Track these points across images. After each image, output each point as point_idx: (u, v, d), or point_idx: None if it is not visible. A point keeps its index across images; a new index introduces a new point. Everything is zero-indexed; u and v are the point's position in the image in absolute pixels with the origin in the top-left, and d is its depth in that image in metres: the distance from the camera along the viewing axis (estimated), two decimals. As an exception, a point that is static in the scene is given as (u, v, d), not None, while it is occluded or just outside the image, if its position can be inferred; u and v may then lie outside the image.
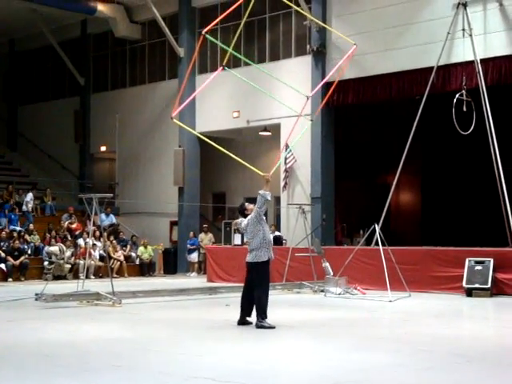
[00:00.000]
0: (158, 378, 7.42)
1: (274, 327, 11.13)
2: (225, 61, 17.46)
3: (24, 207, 26.88)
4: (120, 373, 7.71)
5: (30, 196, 27.22)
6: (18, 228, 25.43)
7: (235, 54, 18.67)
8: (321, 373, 7.84)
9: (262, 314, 11.27)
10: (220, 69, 17.09)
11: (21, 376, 7.51)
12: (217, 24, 21.65)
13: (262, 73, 24.53)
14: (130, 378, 7.43)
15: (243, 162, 15.23)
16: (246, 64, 26.49)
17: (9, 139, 35.52)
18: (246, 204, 11.93)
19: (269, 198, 11.40)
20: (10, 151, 34.83)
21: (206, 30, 15.57)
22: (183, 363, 8.31)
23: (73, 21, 31.54)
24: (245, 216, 11.75)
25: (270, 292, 17.51)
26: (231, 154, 15.32)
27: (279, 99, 23.53)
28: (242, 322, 11.55)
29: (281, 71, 25.48)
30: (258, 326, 11.18)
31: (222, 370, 7.85)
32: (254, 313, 11.50)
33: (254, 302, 11.48)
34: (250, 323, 11.46)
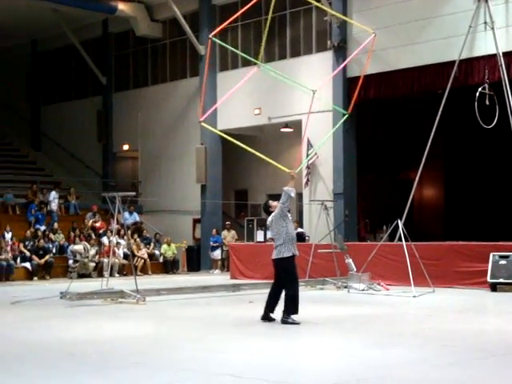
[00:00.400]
0: (180, 375, 7.45)
1: (298, 323, 11.18)
2: (260, 56, 17.19)
3: (48, 206, 27.09)
4: (143, 370, 7.75)
5: (53, 195, 27.42)
6: (43, 227, 25.63)
7: (244, 55, 18.63)
8: (344, 369, 7.83)
9: (288, 311, 11.30)
10: (255, 68, 16.92)
11: (45, 374, 7.58)
12: (236, 21, 21.63)
13: (283, 69, 24.53)
14: (152, 375, 7.47)
15: (268, 159, 15.33)
16: (268, 60, 26.56)
17: (32, 139, 35.78)
18: (270, 202, 12.04)
19: (292, 195, 11.51)
20: (34, 151, 35.08)
21: (213, 33, 15.72)
22: (206, 360, 8.33)
23: (94, 20, 31.71)
24: (269, 214, 11.87)
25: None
26: (256, 152, 15.38)
27: (300, 95, 23.53)
28: (265, 317, 11.57)
29: (301, 67, 25.48)
30: (283, 322, 11.24)
31: (246, 366, 7.86)
32: (278, 309, 11.51)
33: (278, 299, 11.53)
34: (273, 319, 11.47)
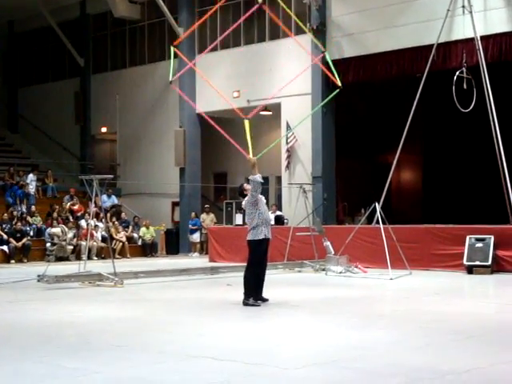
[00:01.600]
0: (158, 357, 7.47)
1: (258, 305, 11.42)
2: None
3: (26, 189, 26.93)
4: (121, 352, 7.77)
5: (30, 177, 27.25)
6: (24, 208, 25.51)
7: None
8: (320, 350, 7.89)
9: (248, 293, 11.53)
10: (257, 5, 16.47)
11: (22, 356, 7.57)
12: (215, 3, 21.51)
13: (262, 52, 24.51)
14: (130, 357, 7.48)
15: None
16: (247, 43, 26.50)
17: (9, 121, 35.49)
18: (245, 185, 12.21)
19: (259, 180, 11.68)
20: (11, 133, 34.80)
21: (176, 42, 15.75)
22: (184, 343, 8.36)
23: (72, 1, 31.44)
24: (244, 197, 12.06)
25: (272, 271, 17.65)
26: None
27: (279, 78, 23.52)
28: (259, 298, 11.70)
29: (280, 50, 25.43)
30: (244, 304, 11.48)
31: (223, 349, 7.90)
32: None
33: (263, 279, 11.79)
34: (267, 300, 11.70)
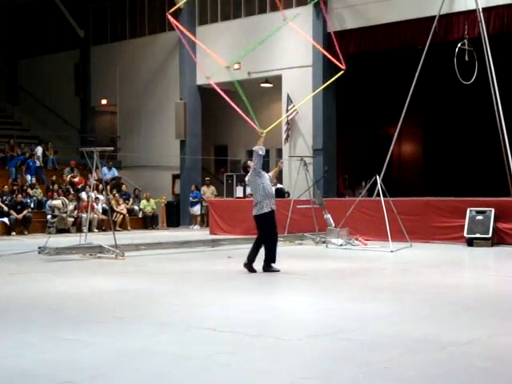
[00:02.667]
0: (159, 328, 7.51)
1: (278, 270, 12.03)
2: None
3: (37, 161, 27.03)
4: (122, 324, 7.81)
5: (39, 150, 27.30)
6: (32, 178, 25.67)
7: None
8: (320, 322, 7.93)
9: (268, 260, 12.12)
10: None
11: (24, 328, 7.60)
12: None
13: (263, 23, 24.34)
14: (131, 328, 7.52)
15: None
16: (248, 14, 26.33)
17: (9, 93, 35.38)
18: (248, 162, 12.61)
19: (260, 153, 12.02)
20: (11, 105, 34.72)
21: (170, 11, 15.83)
22: (185, 314, 8.40)
23: (72, -28, 31.21)
24: (247, 173, 12.49)
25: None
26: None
27: (280, 50, 23.41)
28: (248, 267, 12.13)
29: (281, 21, 25.21)
30: (265, 270, 12.04)
31: (223, 320, 7.94)
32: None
33: (258, 251, 12.19)
34: (255, 271, 12.06)
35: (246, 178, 12.50)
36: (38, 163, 26.87)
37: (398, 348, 6.54)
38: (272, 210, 12.11)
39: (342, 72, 17.15)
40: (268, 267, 12.10)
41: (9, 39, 35.51)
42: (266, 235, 12.20)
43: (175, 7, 18.54)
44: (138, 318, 8.10)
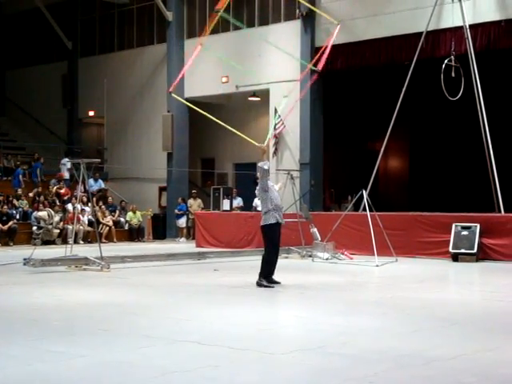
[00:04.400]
0: (144, 341, 7.48)
1: (272, 287, 11.88)
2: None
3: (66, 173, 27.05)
4: (106, 336, 7.77)
5: (65, 160, 27.30)
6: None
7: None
8: (306, 336, 7.93)
9: (263, 274, 12.07)
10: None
11: (8, 340, 7.56)
12: None
13: (252, 37, 24.45)
14: (116, 341, 7.49)
15: (237, 132, 15.41)
16: (236, 28, 26.40)
17: (-4, 104, 35.28)
18: (258, 175, 12.84)
19: (265, 168, 12.19)
20: (-2, 116, 34.62)
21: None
22: (170, 327, 8.38)
23: (60, -16, 31.21)
24: (257, 184, 12.85)
25: (258, 257, 17.62)
26: (226, 125, 15.43)
27: (268, 64, 23.48)
28: (272, 281, 12.17)
29: (270, 36, 25.35)
30: (258, 284, 11.99)
31: (208, 333, 7.92)
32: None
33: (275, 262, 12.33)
34: (278, 282, 12.12)
35: (256, 191, 12.85)
36: (67, 175, 26.97)
37: (384, 363, 6.55)
38: (278, 222, 12.14)
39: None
40: (261, 282, 11.99)
41: (-4, 50, 35.44)
42: (267, 247, 12.23)
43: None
44: (122, 331, 8.07)
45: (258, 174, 12.56)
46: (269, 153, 25.26)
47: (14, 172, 27.00)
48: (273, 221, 12.08)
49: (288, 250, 18.91)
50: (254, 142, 14.42)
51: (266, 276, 12.05)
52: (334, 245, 17.87)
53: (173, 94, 17.79)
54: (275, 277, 12.26)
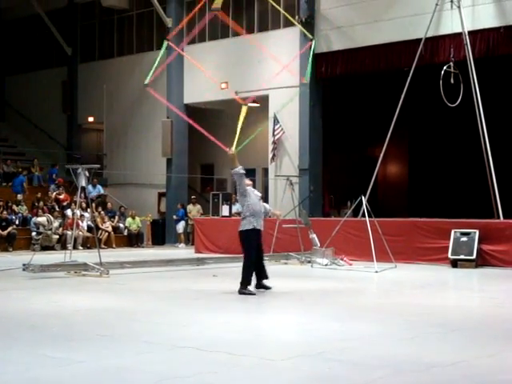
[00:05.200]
0: (143, 347, 7.48)
1: (254, 294, 11.67)
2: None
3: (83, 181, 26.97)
4: (105, 342, 7.77)
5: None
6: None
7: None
8: (306, 342, 7.92)
9: (242, 283, 11.77)
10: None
11: (6, 345, 7.56)
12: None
13: (251, 43, 24.49)
14: (115, 347, 7.49)
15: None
16: (235, 34, 26.44)
17: (-4, 110, 35.30)
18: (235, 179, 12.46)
19: (241, 172, 11.97)
20: (-2, 122, 34.64)
21: (147, 81, 16.40)
22: (169, 333, 8.37)
23: (60, -10, 31.26)
24: None
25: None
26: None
27: (267, 70, 23.52)
28: (259, 286, 12.09)
29: (269, 42, 25.40)
30: (240, 293, 11.69)
31: (207, 339, 7.91)
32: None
33: (261, 266, 12.12)
34: (269, 288, 12.02)
35: (237, 197, 12.57)
36: (83, 183, 26.84)
37: (383, 369, 6.55)
38: (255, 228, 11.85)
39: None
40: (243, 290, 11.70)
41: (-4, 55, 35.48)
42: (245, 251, 11.95)
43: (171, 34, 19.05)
44: (121, 337, 8.07)
45: (235, 179, 12.34)
46: (267, 156, 25.35)
47: (15, 177, 26.89)
48: (249, 227, 11.83)
49: (287, 256, 18.93)
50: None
51: (248, 283, 11.77)
52: (333, 251, 17.87)
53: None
54: (267, 282, 12.16)
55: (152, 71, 18.28)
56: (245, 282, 11.77)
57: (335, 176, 26.31)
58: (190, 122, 16.99)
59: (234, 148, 13.49)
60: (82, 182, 14.80)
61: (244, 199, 11.93)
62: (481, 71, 20.12)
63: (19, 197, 25.58)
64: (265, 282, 12.15)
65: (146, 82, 17.67)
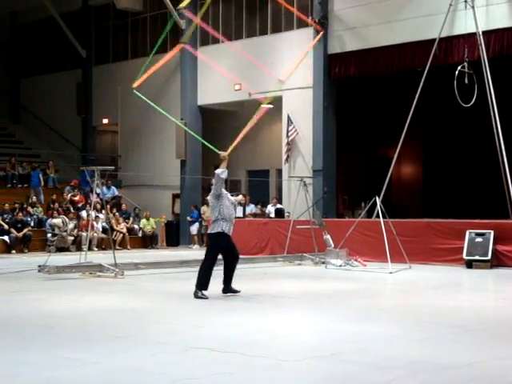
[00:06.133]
0: (157, 348, 7.51)
1: (206, 298, 11.38)
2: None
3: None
4: (120, 343, 7.81)
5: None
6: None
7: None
8: (320, 343, 7.92)
9: (198, 286, 11.57)
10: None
11: (23, 346, 7.61)
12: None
13: (264, 44, 24.51)
14: (130, 348, 7.52)
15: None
16: (249, 36, 26.49)
17: (11, 112, 35.48)
18: (213, 180, 12.23)
19: (222, 176, 11.81)
20: (13, 124, 34.79)
21: (135, 84, 16.43)
22: (183, 334, 8.40)
23: (74, -8, 31.40)
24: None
25: (272, 264, 17.72)
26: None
27: (281, 71, 23.52)
28: (226, 290, 11.91)
29: (282, 43, 25.42)
30: (195, 296, 11.48)
31: (222, 340, 7.93)
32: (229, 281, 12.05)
33: (230, 269, 11.96)
34: (238, 291, 11.81)
35: (208, 197, 12.21)
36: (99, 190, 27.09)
37: (398, 370, 6.54)
38: (223, 232, 11.55)
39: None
40: (197, 293, 11.46)
41: (11, 58, 35.66)
42: (207, 254, 11.72)
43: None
44: (136, 338, 8.10)
45: (213, 181, 12.07)
46: (281, 158, 25.35)
47: (31, 174, 27.23)
48: (218, 230, 11.55)
49: (301, 257, 18.93)
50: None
51: (202, 287, 11.51)
52: (347, 252, 17.86)
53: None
54: (234, 285, 11.94)
55: (140, 74, 18.60)
56: (199, 286, 11.54)
57: (349, 177, 26.29)
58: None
59: (227, 152, 13.38)
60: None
61: (217, 202, 11.68)
62: (495, 71, 20.06)
63: (34, 199, 25.66)
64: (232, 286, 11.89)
65: (134, 85, 18.00)
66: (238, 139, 18.69)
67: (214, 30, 26.55)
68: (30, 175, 27.19)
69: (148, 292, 12.77)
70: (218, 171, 11.91)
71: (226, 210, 11.72)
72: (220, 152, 12.90)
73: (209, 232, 11.87)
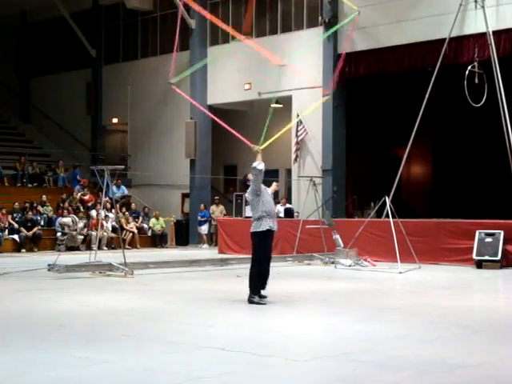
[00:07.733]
0: (168, 347, 7.53)
1: (264, 303, 10.80)
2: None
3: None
4: (131, 342, 7.83)
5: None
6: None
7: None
8: (329, 343, 7.94)
9: (251, 289, 10.96)
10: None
11: (33, 345, 7.64)
12: None
13: (275, 44, 24.50)
14: (140, 347, 7.54)
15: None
16: (259, 35, 26.49)
17: (21, 111, 35.60)
18: (249, 175, 11.47)
19: (260, 168, 11.02)
20: (23, 123, 34.89)
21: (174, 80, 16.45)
22: (193, 333, 8.42)
23: (84, -8, 31.48)
24: (248, 187, 11.37)
25: (281, 263, 17.72)
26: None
27: (291, 71, 23.51)
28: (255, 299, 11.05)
29: (292, 43, 25.40)
30: (249, 302, 10.87)
31: (232, 340, 7.95)
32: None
33: (267, 272, 11.11)
34: (265, 296, 11.03)
35: (246, 194, 11.34)
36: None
37: (408, 370, 6.55)
38: (271, 229, 10.92)
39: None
40: (252, 298, 10.80)
41: (21, 57, 35.77)
42: (257, 256, 11.01)
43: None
44: (146, 337, 8.12)
45: (250, 176, 11.24)
46: (290, 157, 25.35)
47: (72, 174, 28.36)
48: (265, 227, 10.86)
49: (311, 257, 18.93)
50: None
51: (256, 292, 10.87)
52: (356, 251, 17.85)
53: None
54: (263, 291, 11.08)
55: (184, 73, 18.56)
56: (255, 291, 10.87)
57: (359, 176, 26.25)
58: (216, 119, 16.92)
59: (260, 145, 12.78)
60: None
61: (257, 198, 10.96)
62: (505, 71, 19.99)
63: (78, 188, 26.26)
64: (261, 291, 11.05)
65: (173, 81, 17.76)
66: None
67: (223, 29, 26.61)
68: (39, 174, 27.43)
69: (158, 291, 12.79)
70: (254, 164, 11.07)
71: (268, 205, 11.04)
72: (253, 145, 12.19)
73: (253, 231, 10.95)
